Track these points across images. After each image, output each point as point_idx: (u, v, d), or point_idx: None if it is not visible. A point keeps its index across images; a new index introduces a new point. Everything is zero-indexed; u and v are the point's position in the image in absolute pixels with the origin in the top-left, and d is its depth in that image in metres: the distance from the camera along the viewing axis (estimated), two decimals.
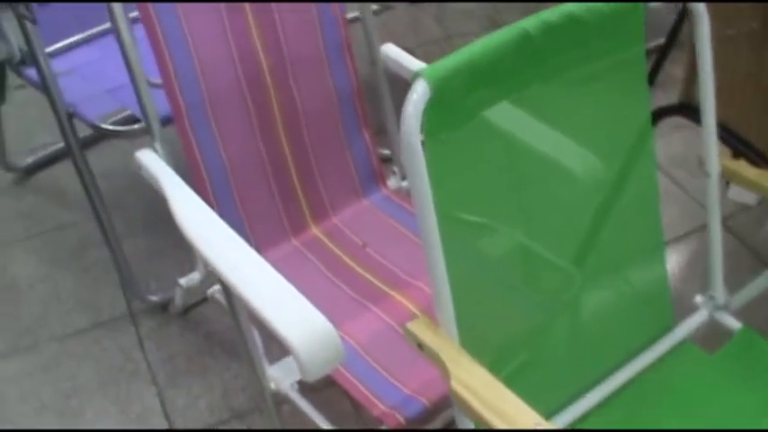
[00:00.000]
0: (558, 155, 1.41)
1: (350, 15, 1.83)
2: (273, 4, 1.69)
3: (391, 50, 1.82)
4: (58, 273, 2.28)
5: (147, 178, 1.57)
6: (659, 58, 2.78)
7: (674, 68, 2.64)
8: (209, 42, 1.66)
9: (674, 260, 2.24)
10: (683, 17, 2.66)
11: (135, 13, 1.59)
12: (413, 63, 1.79)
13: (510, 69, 1.18)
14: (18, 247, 2.36)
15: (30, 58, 2.01)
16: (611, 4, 1.29)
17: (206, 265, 1.55)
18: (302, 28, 1.74)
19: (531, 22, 1.20)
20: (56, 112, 1.94)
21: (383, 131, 1.93)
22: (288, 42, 1.72)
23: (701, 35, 1.38)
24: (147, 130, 1.63)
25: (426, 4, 2.56)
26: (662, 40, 2.74)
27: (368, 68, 1.85)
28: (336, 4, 1.76)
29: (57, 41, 2.20)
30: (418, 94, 1.05)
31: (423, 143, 1.08)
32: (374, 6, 2.05)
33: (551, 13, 1.22)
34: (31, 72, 2.05)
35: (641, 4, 1.33)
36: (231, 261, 1.32)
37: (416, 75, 1.06)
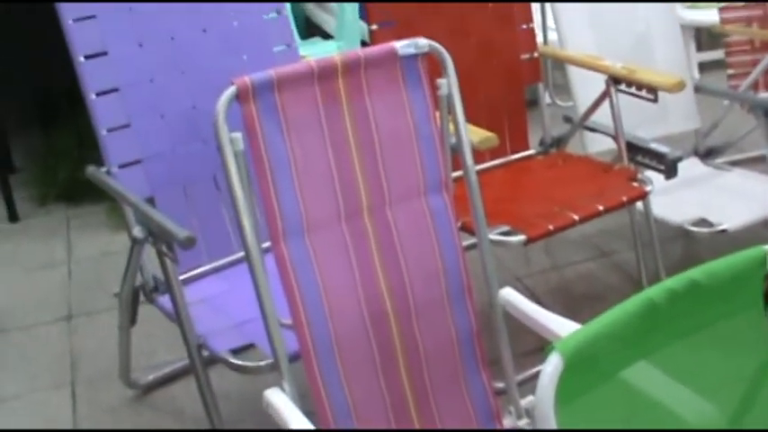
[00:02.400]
0: (673, 404, 1.43)
1: (466, 243, 1.93)
2: (400, 253, 1.80)
3: (510, 295, 1.89)
4: None
5: (275, 417, 1.63)
6: None
7: None
8: (338, 284, 1.75)
9: None
10: None
11: (267, 244, 1.70)
12: (530, 308, 1.85)
13: (636, 337, 1.23)
14: None
15: (164, 287, 2.14)
16: (731, 267, 1.34)
17: None
18: (426, 273, 1.83)
19: (656, 291, 1.26)
20: (186, 342, 2.04)
21: (497, 363, 1.98)
22: (413, 286, 1.81)
23: None
24: (275, 368, 1.71)
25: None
26: None
27: (486, 308, 1.92)
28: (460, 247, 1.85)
29: (187, 269, 2.32)
30: (552, 367, 1.10)
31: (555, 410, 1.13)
32: (490, 236, 2.14)
33: (675, 282, 1.28)
34: (164, 299, 2.17)
35: (762, 263, 1.37)
36: None
37: (550, 348, 1.12)
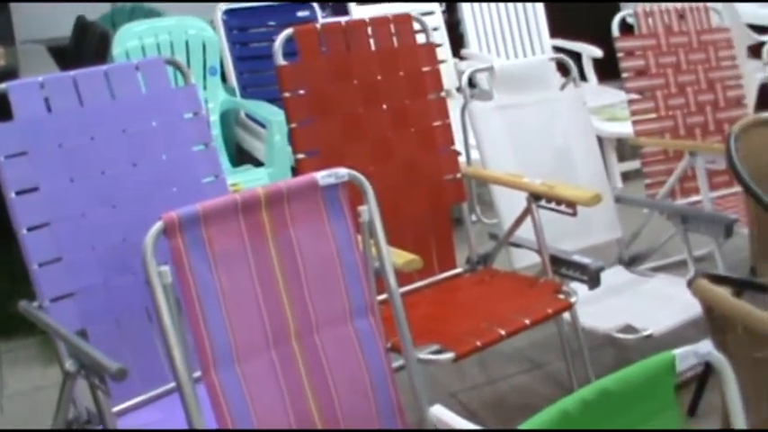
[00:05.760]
0: None
1: (395, 364, 1.97)
2: (329, 376, 1.84)
3: (440, 412, 1.92)
4: None
5: None
6: (698, 388, 2.81)
7: (714, 397, 2.70)
8: (269, 410, 1.80)
9: None
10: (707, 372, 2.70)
11: (197, 374, 1.73)
12: (460, 424, 1.88)
13: None
14: None
15: (97, 419, 2.15)
16: (642, 374, 1.40)
17: None
18: (356, 394, 1.87)
19: (569, 401, 1.31)
20: None
21: None
22: (342, 408, 1.85)
23: (730, 390, 1.48)
24: None
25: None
26: (700, 369, 2.81)
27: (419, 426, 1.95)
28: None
29: (122, 400, 2.32)
30: None
31: None
32: (419, 355, 2.19)
33: (588, 391, 1.34)
34: None
35: (671, 368, 1.43)
36: None
37: None
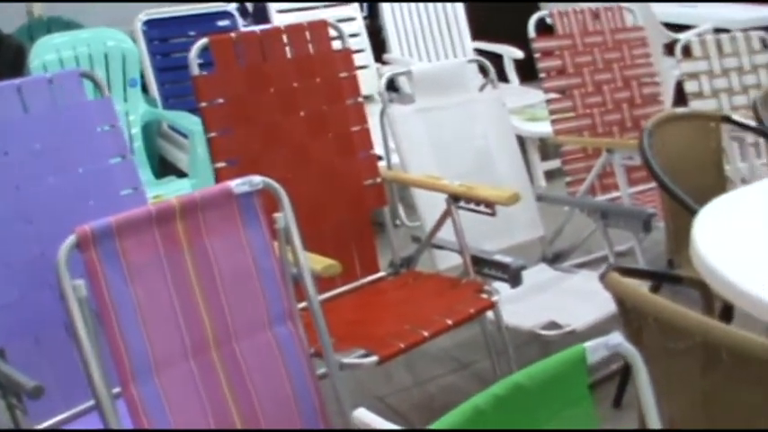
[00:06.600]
0: None
1: (319, 372, 1.98)
2: (250, 384, 1.84)
3: (364, 415, 1.93)
4: None
5: None
6: (622, 379, 2.86)
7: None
8: (190, 420, 1.78)
9: None
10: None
11: (117, 389, 1.72)
12: (384, 426, 1.89)
13: None
14: None
15: None
16: (554, 368, 1.42)
17: None
18: (278, 401, 1.87)
19: (482, 397, 1.33)
20: None
21: None
22: (265, 414, 1.85)
23: (641, 381, 1.51)
24: None
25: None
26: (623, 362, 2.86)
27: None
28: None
29: (44, 418, 2.29)
30: None
31: None
32: (343, 360, 2.20)
33: (500, 387, 1.35)
34: None
35: (582, 361, 1.45)
36: None
37: None
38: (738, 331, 1.54)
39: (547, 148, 5.02)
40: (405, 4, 5.14)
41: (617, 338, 1.52)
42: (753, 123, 2.87)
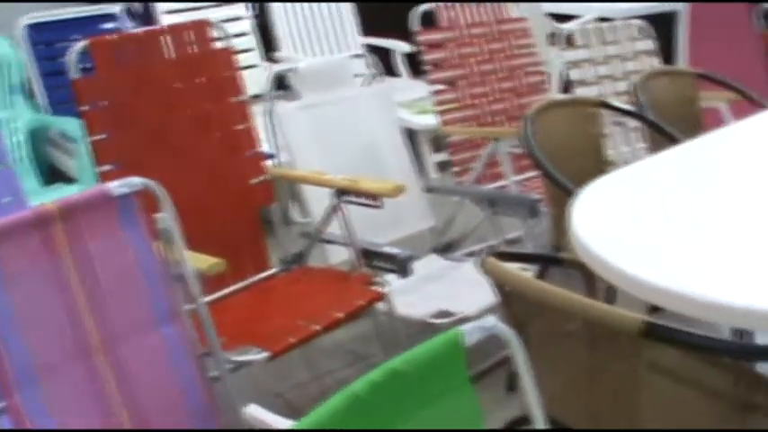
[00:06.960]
0: None
1: (212, 374, 1.98)
2: (138, 385, 1.83)
3: (255, 411, 1.94)
4: None
5: None
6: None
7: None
8: (78, 424, 1.77)
9: None
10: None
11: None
12: (274, 421, 1.91)
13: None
14: None
15: None
16: (430, 352, 1.45)
17: None
18: (167, 400, 1.87)
19: (359, 384, 1.36)
20: None
21: None
22: (155, 415, 1.84)
23: (517, 361, 1.55)
24: None
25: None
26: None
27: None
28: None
29: None
30: None
31: None
32: (234, 357, 2.21)
33: (377, 373, 1.38)
34: None
35: (459, 344, 1.49)
36: None
37: None
38: (608, 308, 1.59)
39: (440, 141, 5.08)
40: (294, 3, 5.14)
41: (491, 321, 1.55)
42: (629, 107, 2.96)
